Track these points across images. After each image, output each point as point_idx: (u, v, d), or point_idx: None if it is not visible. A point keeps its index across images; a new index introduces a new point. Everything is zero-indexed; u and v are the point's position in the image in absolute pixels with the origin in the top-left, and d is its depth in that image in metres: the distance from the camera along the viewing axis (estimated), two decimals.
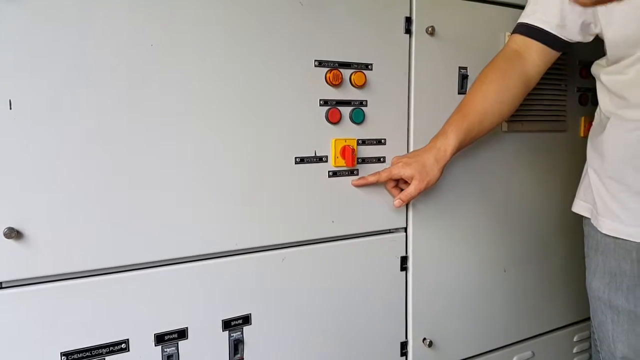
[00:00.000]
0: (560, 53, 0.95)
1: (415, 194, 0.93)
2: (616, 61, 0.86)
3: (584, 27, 0.89)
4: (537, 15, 0.92)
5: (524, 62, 0.95)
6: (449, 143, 0.92)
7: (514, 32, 0.97)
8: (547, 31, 0.92)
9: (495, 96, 0.94)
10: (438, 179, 0.94)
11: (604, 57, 0.90)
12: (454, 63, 1.06)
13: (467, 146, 0.97)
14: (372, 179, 0.96)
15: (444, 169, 0.94)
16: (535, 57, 0.94)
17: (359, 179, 0.97)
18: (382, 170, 0.96)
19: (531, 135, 1.19)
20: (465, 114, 0.94)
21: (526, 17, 0.95)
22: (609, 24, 0.83)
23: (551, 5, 0.90)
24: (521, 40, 0.95)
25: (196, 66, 0.81)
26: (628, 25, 0.80)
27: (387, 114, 1.00)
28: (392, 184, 0.98)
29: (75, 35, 0.72)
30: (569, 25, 0.89)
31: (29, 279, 0.73)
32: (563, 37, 0.91)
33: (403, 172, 0.93)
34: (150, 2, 0.76)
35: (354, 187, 0.97)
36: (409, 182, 0.94)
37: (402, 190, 0.97)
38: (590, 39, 0.91)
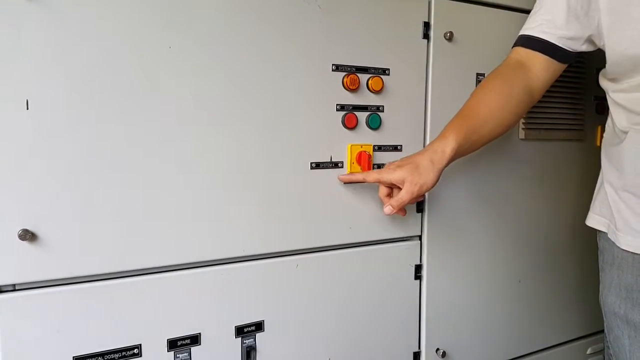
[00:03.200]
0: (566, 65, 0.92)
1: (407, 198, 0.84)
2: (618, 77, 0.84)
3: (589, 40, 0.87)
4: (540, 27, 0.89)
5: (528, 73, 0.91)
6: (448, 144, 0.85)
7: (515, 44, 0.94)
8: (550, 42, 0.89)
9: (497, 103, 0.89)
10: (434, 183, 0.85)
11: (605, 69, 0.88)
12: (472, 69, 1.05)
13: (467, 153, 0.90)
14: (359, 176, 0.89)
15: (442, 174, 0.86)
16: (540, 69, 0.91)
17: (347, 174, 0.91)
18: (373, 170, 0.90)
19: (547, 144, 1.18)
20: (466, 117, 0.88)
21: (528, 30, 0.92)
22: (615, 42, 0.81)
23: (556, 17, 0.87)
24: (524, 52, 0.92)
25: (211, 70, 0.80)
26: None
27: (404, 119, 0.98)
28: (384, 191, 0.89)
29: (95, 35, 0.71)
30: (574, 36, 0.87)
31: (42, 282, 0.72)
32: (567, 48, 0.89)
33: (393, 176, 0.84)
34: (167, 6, 0.76)
35: (368, 194, 0.95)
36: (401, 187, 0.85)
37: None
38: (596, 48, 0.89)
